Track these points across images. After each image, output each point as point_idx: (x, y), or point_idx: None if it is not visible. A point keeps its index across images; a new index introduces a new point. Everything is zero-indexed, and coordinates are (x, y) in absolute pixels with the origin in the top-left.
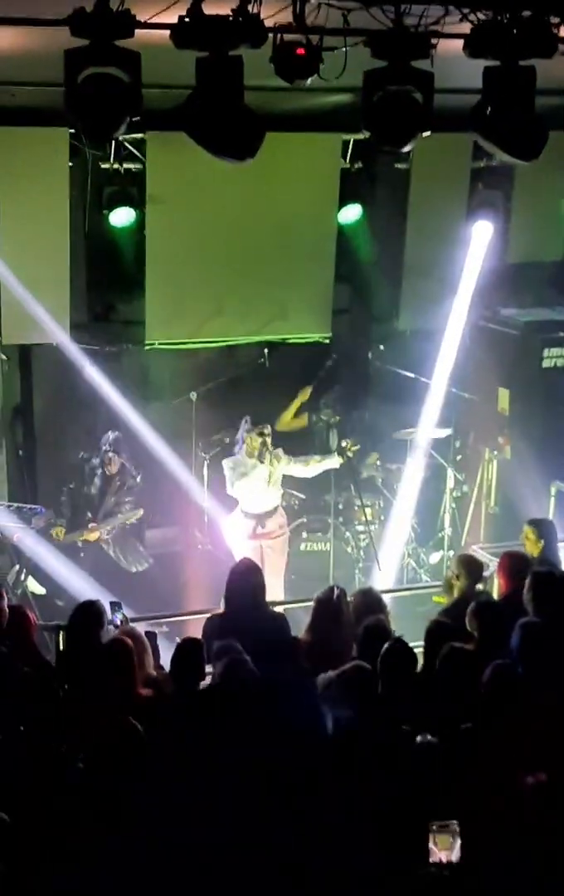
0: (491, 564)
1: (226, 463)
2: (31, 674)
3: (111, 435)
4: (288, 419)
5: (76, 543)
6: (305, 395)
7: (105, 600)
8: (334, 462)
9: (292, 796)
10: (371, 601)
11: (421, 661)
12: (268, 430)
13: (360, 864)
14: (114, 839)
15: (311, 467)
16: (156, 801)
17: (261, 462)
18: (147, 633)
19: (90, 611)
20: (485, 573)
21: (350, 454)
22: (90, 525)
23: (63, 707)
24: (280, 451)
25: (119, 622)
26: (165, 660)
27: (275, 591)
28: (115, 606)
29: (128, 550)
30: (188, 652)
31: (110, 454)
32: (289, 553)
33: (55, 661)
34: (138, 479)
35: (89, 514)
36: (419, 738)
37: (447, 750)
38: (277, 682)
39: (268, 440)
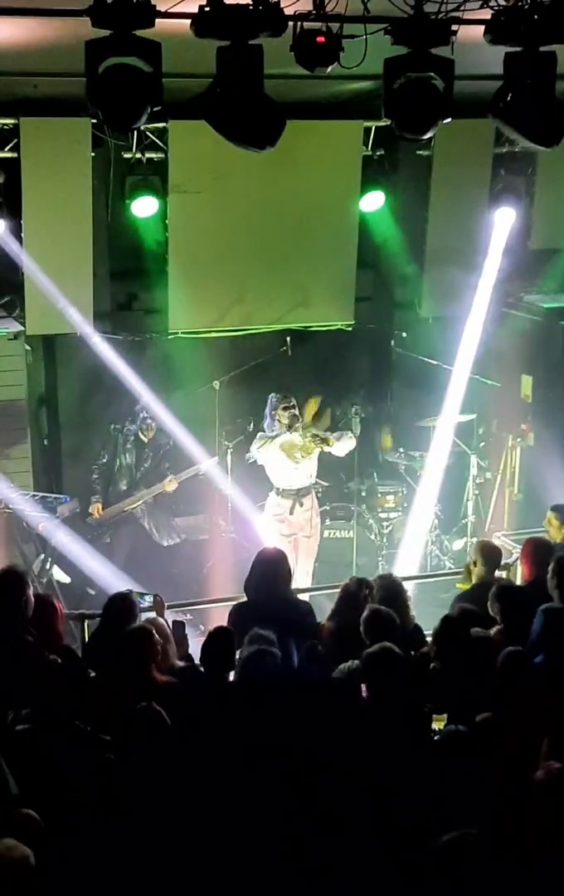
0: (515, 551)
1: (257, 439)
2: (58, 661)
3: (138, 408)
4: (308, 424)
5: (120, 514)
6: (313, 406)
7: (129, 588)
8: (351, 442)
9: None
10: (391, 586)
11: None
12: (293, 402)
13: (372, 854)
14: (132, 823)
15: (335, 446)
16: (175, 790)
17: (292, 432)
18: (175, 622)
19: (124, 602)
20: (508, 560)
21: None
22: (169, 478)
23: (89, 694)
24: (311, 429)
25: (148, 603)
26: (189, 646)
27: (304, 577)
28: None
29: (161, 524)
30: (219, 641)
31: (149, 420)
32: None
33: (81, 649)
34: (172, 443)
35: (124, 486)
36: (444, 727)
37: (469, 739)
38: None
39: (296, 412)
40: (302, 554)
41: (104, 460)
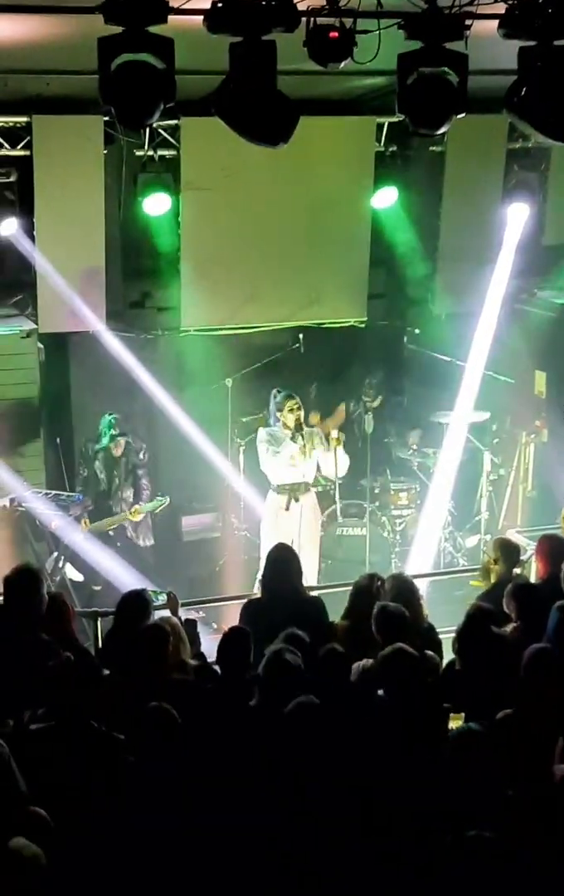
0: (529, 548)
1: (262, 435)
2: (73, 659)
3: (108, 417)
4: (328, 429)
5: (106, 532)
6: (341, 416)
7: (143, 586)
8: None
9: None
10: (403, 586)
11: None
12: (299, 403)
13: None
14: (143, 823)
15: (330, 457)
16: (187, 790)
17: (294, 441)
18: (187, 620)
19: (137, 600)
20: (523, 557)
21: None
22: (134, 508)
23: (104, 692)
24: (316, 430)
25: (162, 600)
26: (200, 645)
27: (308, 572)
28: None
29: (139, 526)
30: (235, 641)
31: (119, 436)
32: (325, 537)
33: (94, 647)
34: (144, 457)
35: (105, 500)
36: (461, 725)
37: (486, 737)
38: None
39: (301, 415)
40: (305, 547)
41: (84, 475)
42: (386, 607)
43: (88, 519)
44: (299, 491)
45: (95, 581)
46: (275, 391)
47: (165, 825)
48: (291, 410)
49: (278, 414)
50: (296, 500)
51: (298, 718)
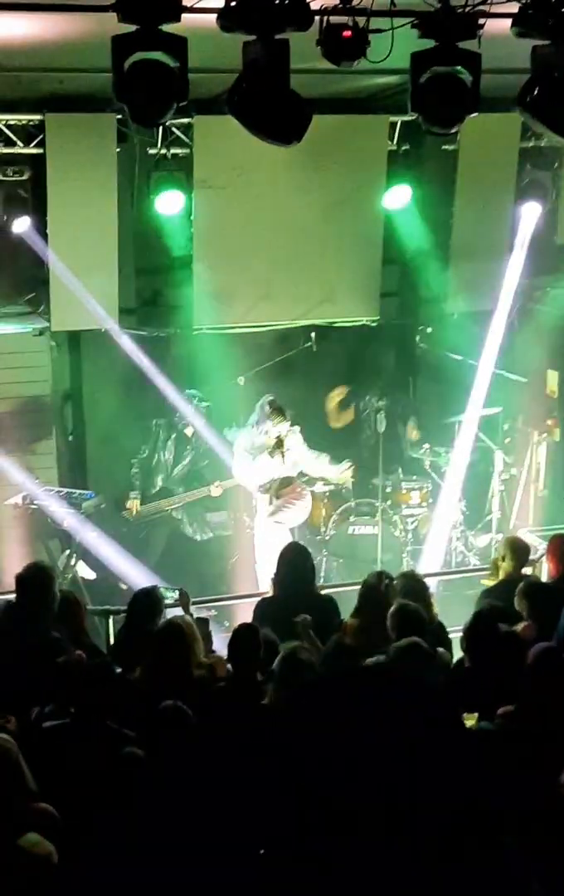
0: (540, 548)
1: (242, 442)
2: (85, 657)
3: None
4: (334, 417)
5: (158, 513)
6: (337, 396)
7: (156, 583)
8: (337, 474)
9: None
10: (414, 584)
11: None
12: (288, 422)
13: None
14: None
15: (319, 468)
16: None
17: (272, 457)
18: (199, 618)
19: (149, 598)
20: (534, 556)
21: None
22: (216, 483)
23: (117, 690)
24: (296, 441)
25: (175, 599)
26: (213, 643)
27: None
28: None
29: (195, 518)
30: (244, 638)
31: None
32: (336, 535)
33: (107, 645)
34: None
35: (159, 482)
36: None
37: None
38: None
39: (284, 436)
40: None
41: (144, 455)
42: (406, 606)
43: (139, 500)
44: (281, 486)
45: (114, 580)
46: (267, 399)
47: (178, 823)
48: (277, 425)
49: (263, 425)
50: (278, 496)
51: (313, 716)
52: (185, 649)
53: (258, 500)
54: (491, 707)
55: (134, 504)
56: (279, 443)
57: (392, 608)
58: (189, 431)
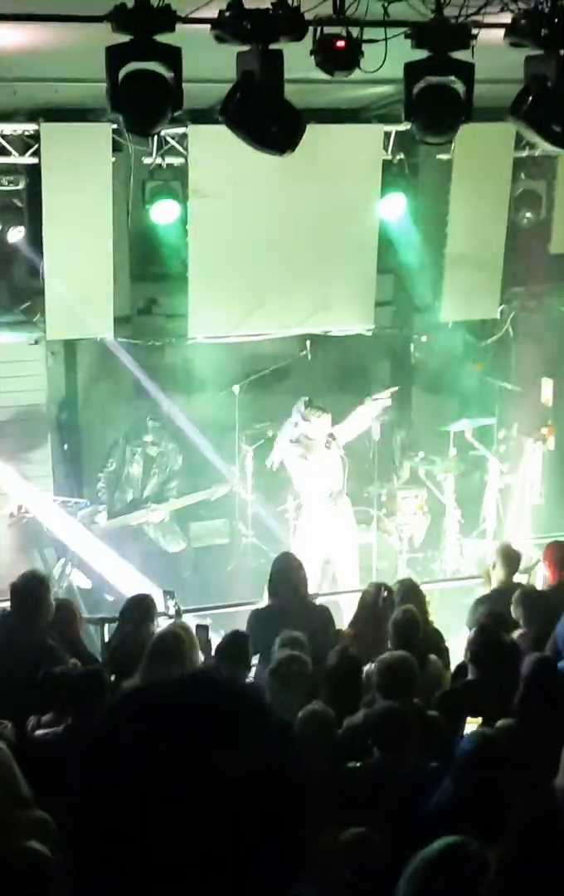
0: (535, 555)
1: (294, 448)
2: (80, 665)
3: (150, 422)
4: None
5: (128, 526)
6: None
7: (156, 590)
8: (375, 409)
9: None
10: (410, 592)
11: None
12: (327, 420)
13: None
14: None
15: (361, 421)
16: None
17: (328, 448)
18: (198, 626)
19: (142, 604)
20: (528, 564)
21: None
22: (151, 507)
23: (111, 698)
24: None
25: (173, 611)
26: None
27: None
28: (168, 595)
29: (166, 530)
30: (234, 643)
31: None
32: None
33: (101, 653)
34: (180, 462)
35: (129, 496)
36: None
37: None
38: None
39: (329, 429)
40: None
41: (111, 468)
42: (406, 612)
43: (106, 513)
44: (338, 495)
45: (106, 590)
46: (304, 400)
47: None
48: (319, 418)
49: (309, 427)
50: (336, 503)
51: (310, 726)
52: (181, 657)
53: (308, 499)
54: (497, 715)
55: (101, 516)
56: (331, 436)
57: (393, 616)
58: (153, 451)
